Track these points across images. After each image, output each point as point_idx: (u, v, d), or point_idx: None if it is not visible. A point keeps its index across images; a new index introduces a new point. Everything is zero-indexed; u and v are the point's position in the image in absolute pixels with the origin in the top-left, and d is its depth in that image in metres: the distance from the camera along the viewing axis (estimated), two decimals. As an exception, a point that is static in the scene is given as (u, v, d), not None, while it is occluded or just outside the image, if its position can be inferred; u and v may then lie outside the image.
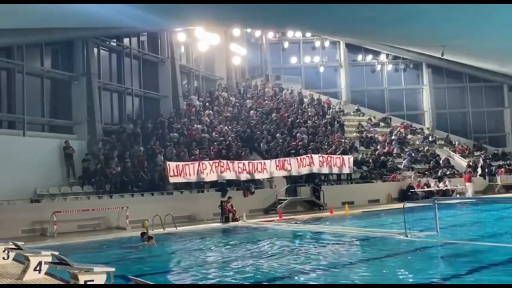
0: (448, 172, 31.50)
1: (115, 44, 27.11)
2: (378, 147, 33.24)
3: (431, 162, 33.04)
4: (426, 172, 31.37)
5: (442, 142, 37.78)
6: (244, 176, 23.11)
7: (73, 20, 20.41)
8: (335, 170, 26.33)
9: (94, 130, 23.72)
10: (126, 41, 27.73)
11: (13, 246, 9.97)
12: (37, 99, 23.03)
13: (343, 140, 31.50)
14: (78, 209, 18.46)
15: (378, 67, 42.04)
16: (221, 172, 22.33)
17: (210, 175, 22.05)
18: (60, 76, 24.06)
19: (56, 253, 8.18)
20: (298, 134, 29.43)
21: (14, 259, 10.45)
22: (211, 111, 30.05)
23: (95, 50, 25.43)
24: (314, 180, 25.48)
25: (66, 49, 24.38)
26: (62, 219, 17.68)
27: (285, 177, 24.82)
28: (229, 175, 22.59)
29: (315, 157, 25.29)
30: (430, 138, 37.52)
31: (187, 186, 22.21)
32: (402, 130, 37.19)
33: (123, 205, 19.13)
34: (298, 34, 41.04)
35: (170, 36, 29.89)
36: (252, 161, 23.99)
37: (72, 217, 18.19)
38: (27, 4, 16.61)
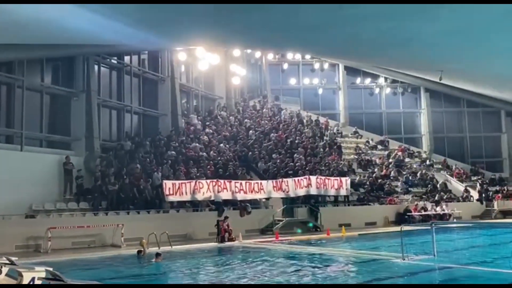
0: (445, 196, 31.47)
1: (115, 62, 27.26)
2: (376, 169, 33.25)
3: (429, 185, 33.04)
4: (423, 196, 31.33)
5: (440, 166, 37.80)
6: (240, 196, 23.00)
7: (74, 37, 20.54)
8: (332, 191, 26.23)
9: (92, 146, 23.67)
10: (126, 59, 27.89)
11: (6, 261, 9.84)
12: (36, 114, 23.00)
13: (342, 162, 31.52)
14: (73, 226, 18.28)
15: (377, 90, 42.25)
16: (218, 192, 22.23)
17: (206, 194, 21.94)
18: (60, 92, 24.10)
19: (50, 268, 8.08)
20: (295, 155, 29.44)
21: (7, 275, 10.29)
22: (210, 130, 30.10)
23: (96, 67, 25.53)
24: (310, 200, 25.40)
25: (66, 65, 24.48)
26: (57, 235, 17.53)
27: (282, 197, 24.71)
28: (225, 195, 22.48)
29: (313, 178, 25.19)
30: (428, 162, 37.57)
31: (183, 204, 22.13)
32: (399, 153, 37.24)
33: (118, 223, 19.00)
34: (298, 56, 41.35)
35: (171, 55, 30.10)
36: (249, 181, 23.93)
37: (67, 234, 18.01)
38: (29, 19, 16.77)
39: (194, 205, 22.39)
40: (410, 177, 33.37)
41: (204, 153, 26.74)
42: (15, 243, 17.16)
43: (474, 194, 33.03)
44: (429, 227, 13.83)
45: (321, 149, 32.42)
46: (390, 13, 19.03)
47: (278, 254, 16.21)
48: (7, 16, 16.07)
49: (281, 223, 23.43)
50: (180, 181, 21.69)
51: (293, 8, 18.14)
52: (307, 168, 27.79)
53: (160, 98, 29.74)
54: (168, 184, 21.09)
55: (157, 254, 14.41)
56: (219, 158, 26.66)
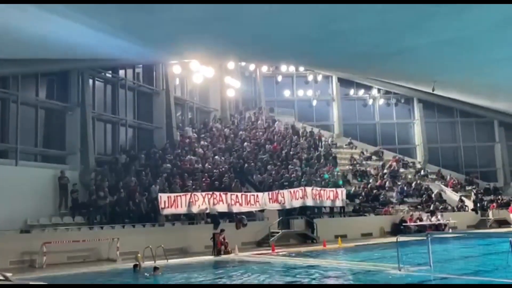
0: (440, 206, 31.54)
1: (110, 76, 27.26)
2: (371, 180, 33.32)
3: (423, 196, 33.10)
4: (419, 206, 31.39)
5: (434, 176, 37.92)
6: (236, 208, 22.95)
7: (69, 51, 20.61)
8: (328, 203, 26.25)
9: (87, 160, 23.57)
10: (121, 72, 27.90)
11: (1, 277, 9.81)
12: (30, 128, 22.95)
13: (335, 173, 31.57)
14: (69, 240, 18.15)
15: (370, 102, 42.46)
16: (214, 204, 22.17)
17: (202, 207, 21.87)
18: (54, 106, 24.09)
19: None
20: (290, 166, 29.49)
21: (2, 291, 10.26)
22: (205, 142, 30.13)
23: (90, 81, 25.53)
24: (306, 212, 25.38)
25: (61, 80, 24.47)
26: (52, 250, 17.41)
27: (278, 209, 24.69)
28: (221, 207, 22.42)
29: (308, 189, 25.22)
30: (422, 172, 37.67)
31: (179, 217, 22.07)
32: (394, 163, 37.34)
33: (114, 237, 18.89)
34: (292, 68, 41.59)
35: (166, 69, 30.18)
36: (245, 193, 23.88)
37: (62, 248, 17.88)
38: (23, 34, 16.83)
39: (190, 218, 22.34)
40: (405, 188, 33.45)
41: (200, 166, 26.74)
42: (10, 258, 16.99)
43: (469, 204, 33.12)
44: (425, 238, 13.87)
45: (316, 160, 32.47)
46: (383, 27, 19.26)
47: (275, 266, 16.19)
48: (1, 31, 16.14)
49: (277, 235, 23.39)
50: (175, 194, 21.64)
51: (287, 22, 18.35)
52: (302, 180, 27.82)
53: (155, 111, 29.78)
54: (163, 197, 21.02)
55: (155, 268, 14.40)
56: (214, 170, 26.66)
